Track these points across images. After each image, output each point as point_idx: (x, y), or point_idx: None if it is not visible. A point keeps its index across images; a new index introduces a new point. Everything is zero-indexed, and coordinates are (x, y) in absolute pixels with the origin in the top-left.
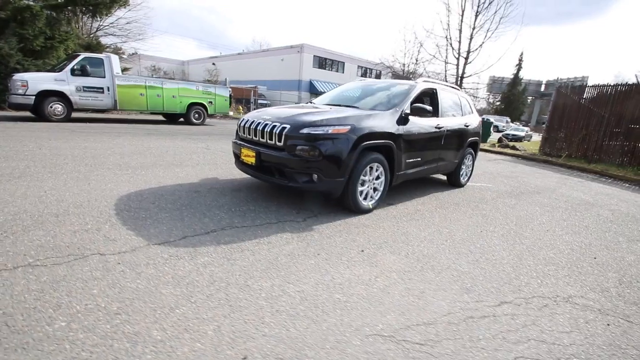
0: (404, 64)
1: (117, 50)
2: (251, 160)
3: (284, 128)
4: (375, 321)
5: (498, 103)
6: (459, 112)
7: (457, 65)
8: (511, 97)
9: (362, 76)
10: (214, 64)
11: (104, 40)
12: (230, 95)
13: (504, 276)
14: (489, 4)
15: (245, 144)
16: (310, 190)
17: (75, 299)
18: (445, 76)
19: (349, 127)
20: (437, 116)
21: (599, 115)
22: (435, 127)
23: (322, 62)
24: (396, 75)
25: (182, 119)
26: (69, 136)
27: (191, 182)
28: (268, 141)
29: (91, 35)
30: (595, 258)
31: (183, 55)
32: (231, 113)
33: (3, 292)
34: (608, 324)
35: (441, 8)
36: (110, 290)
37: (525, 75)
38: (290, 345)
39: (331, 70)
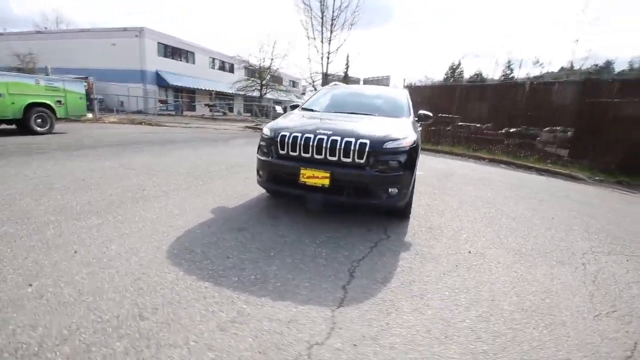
0: (262, 59)
1: None
2: (323, 182)
3: (364, 144)
4: (576, 306)
5: None
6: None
7: (322, 64)
8: None
9: (211, 67)
10: None
11: None
12: (86, 92)
13: (550, 246)
14: (341, 12)
15: (309, 165)
16: (387, 205)
17: None
18: (311, 74)
19: (411, 137)
20: None
21: (430, 109)
22: (419, 128)
23: (169, 51)
24: (251, 70)
25: (13, 126)
26: None
27: (210, 218)
28: (343, 159)
29: None
30: (553, 218)
31: None
32: (90, 115)
33: None
34: (628, 260)
35: (303, 12)
36: None
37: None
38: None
39: (180, 60)
